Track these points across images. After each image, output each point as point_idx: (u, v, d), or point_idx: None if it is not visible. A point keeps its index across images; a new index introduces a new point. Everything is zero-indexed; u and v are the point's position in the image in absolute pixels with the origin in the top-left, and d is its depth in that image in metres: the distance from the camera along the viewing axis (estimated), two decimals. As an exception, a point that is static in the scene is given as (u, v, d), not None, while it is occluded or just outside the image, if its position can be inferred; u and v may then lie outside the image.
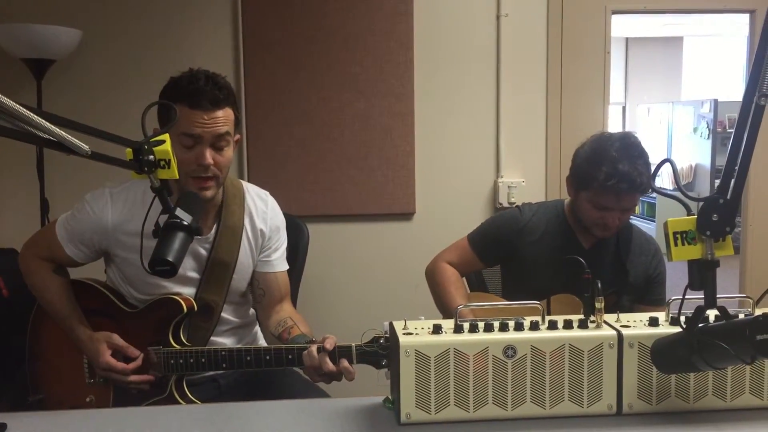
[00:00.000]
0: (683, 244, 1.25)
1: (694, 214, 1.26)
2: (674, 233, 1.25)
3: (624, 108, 11.74)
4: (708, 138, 9.57)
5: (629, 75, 11.65)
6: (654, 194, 7.05)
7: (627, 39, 11.38)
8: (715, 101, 9.51)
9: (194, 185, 1.90)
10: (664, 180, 7.32)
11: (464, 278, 2.53)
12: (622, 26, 10.09)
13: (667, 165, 1.32)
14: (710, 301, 1.24)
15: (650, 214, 9.10)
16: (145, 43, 3.19)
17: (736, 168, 1.20)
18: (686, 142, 10.02)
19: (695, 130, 9.90)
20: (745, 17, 3.55)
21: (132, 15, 3.19)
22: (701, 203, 1.25)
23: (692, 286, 1.26)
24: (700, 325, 1.28)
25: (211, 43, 3.21)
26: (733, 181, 1.21)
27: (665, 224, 1.27)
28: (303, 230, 2.64)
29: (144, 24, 3.19)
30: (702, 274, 1.24)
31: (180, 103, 1.84)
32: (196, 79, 1.89)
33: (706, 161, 9.28)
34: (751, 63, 3.43)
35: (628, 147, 2.19)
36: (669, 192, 1.33)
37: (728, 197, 1.22)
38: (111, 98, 3.17)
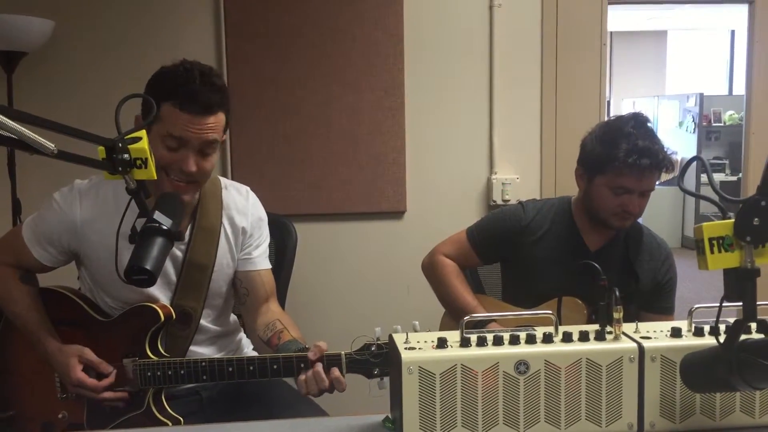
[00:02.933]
0: (719, 251, 1.13)
1: (730, 217, 1.13)
2: (710, 239, 1.12)
3: (609, 102, 11.70)
4: (693, 132, 9.54)
5: (614, 69, 11.60)
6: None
7: (611, 33, 11.32)
8: (701, 95, 9.48)
9: (171, 187, 1.75)
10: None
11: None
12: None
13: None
14: (750, 314, 1.12)
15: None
16: (122, 35, 3.02)
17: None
18: (671, 137, 9.98)
19: (680, 124, 9.87)
20: (743, 7, 3.45)
21: (108, 4, 3.02)
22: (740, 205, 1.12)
23: (729, 297, 1.13)
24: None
25: (192, 34, 3.06)
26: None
27: (699, 229, 1.14)
28: (291, 230, 2.50)
29: (121, 14, 3.02)
30: (740, 284, 1.12)
31: (170, 100, 1.70)
32: (191, 76, 1.73)
33: (691, 156, 9.21)
34: (743, 55, 3.35)
35: (643, 125, 2.15)
36: (701, 194, 1.20)
37: (772, 198, 1.10)
38: (87, 93, 3.01)
